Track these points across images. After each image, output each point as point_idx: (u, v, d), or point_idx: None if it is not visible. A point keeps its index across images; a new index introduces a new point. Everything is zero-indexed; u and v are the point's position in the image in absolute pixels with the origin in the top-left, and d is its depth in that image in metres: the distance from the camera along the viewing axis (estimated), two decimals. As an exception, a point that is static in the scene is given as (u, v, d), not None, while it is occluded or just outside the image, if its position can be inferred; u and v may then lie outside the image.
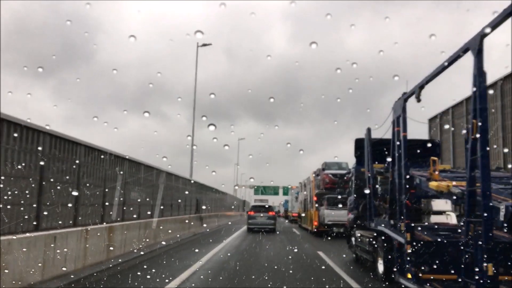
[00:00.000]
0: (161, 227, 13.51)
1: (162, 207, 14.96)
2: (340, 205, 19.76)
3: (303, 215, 27.37)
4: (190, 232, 18.11)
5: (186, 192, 18.80)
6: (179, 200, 17.48)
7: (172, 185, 16.91)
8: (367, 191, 9.53)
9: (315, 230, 20.25)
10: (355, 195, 11.16)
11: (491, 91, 18.75)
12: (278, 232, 21.81)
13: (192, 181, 20.32)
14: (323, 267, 9.64)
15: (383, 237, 7.81)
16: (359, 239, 10.50)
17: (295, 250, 13.33)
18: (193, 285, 7.12)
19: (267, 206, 23.69)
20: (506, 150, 18.00)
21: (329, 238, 18.37)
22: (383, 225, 7.96)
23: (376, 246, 8.41)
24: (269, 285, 6.99)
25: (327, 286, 7.16)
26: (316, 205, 20.96)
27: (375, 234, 8.54)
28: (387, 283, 7.49)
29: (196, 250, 12.13)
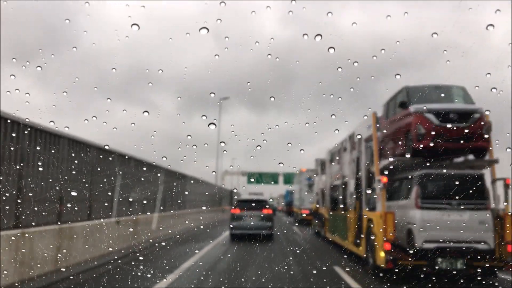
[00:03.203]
0: None
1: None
2: (455, 202, 7.16)
3: (329, 215, 14.44)
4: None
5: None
6: None
7: None
8: None
9: (388, 264, 7.35)
10: None
11: None
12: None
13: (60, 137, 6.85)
14: None
15: None
16: None
17: None
18: None
19: (260, 200, 15.59)
20: None
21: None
22: None
23: None
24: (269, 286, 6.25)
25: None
26: (389, 196, 7.89)
27: None
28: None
29: None
